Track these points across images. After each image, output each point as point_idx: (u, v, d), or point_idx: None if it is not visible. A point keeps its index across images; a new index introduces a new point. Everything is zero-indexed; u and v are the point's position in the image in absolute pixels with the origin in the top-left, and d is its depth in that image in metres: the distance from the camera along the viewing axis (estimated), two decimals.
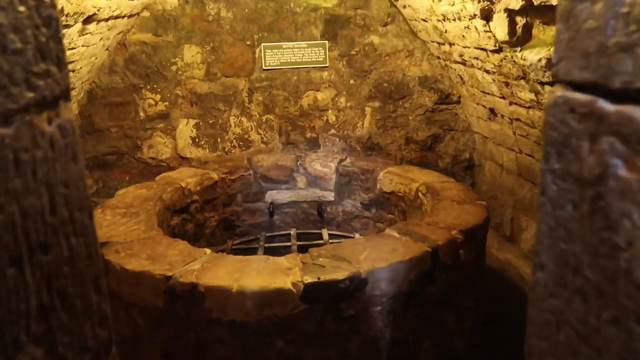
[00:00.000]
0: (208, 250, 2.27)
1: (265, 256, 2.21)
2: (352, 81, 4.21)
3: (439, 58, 4.14)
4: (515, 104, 3.18)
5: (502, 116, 3.58)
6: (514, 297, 3.26)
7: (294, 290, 1.97)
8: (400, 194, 3.19)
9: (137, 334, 2.15)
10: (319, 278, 2.00)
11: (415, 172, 3.30)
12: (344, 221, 3.54)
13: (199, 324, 2.00)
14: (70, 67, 3.14)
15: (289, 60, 4.11)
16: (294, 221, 3.61)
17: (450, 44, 3.53)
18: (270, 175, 3.58)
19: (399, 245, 2.24)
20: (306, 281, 1.98)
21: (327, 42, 4.11)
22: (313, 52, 4.10)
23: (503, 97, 3.31)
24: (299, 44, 4.09)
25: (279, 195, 3.58)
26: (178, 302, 2.00)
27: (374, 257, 2.15)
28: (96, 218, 2.69)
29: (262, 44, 4.08)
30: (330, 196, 3.56)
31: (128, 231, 2.45)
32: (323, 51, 4.11)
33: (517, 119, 3.30)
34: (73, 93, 3.67)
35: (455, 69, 3.89)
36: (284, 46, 4.09)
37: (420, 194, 3.00)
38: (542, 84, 2.60)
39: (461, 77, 3.89)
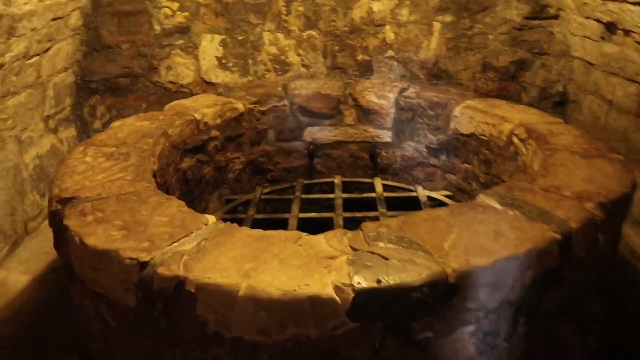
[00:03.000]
0: (212, 219, 1.47)
1: (295, 233, 1.40)
2: None
3: None
4: None
5: (628, 33, 2.51)
6: (628, 280, 2.36)
7: (337, 299, 1.16)
8: (484, 137, 2.27)
9: (108, 335, 1.43)
10: (379, 281, 1.18)
11: (504, 108, 2.35)
12: (403, 169, 2.67)
13: (188, 340, 1.25)
14: None
15: None
16: (339, 167, 2.76)
17: None
18: (310, 108, 2.70)
19: (504, 225, 1.37)
20: (358, 286, 1.16)
21: None
22: None
23: None
24: None
25: (322, 134, 2.72)
26: (156, 305, 1.24)
27: (466, 245, 1.30)
28: (71, 160, 1.90)
29: None
30: (387, 136, 2.67)
31: (107, 181, 1.68)
32: None
33: None
34: None
35: None
36: None
37: (516, 140, 2.07)
38: None
39: None
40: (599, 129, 3.06)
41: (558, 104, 3.36)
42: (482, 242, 1.30)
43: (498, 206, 1.46)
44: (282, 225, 2.24)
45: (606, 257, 1.49)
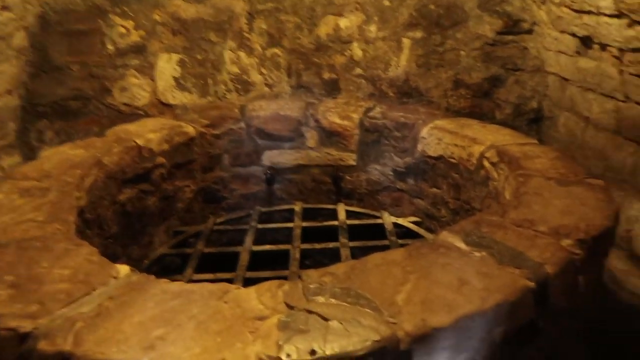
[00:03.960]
0: (124, 269, 1.21)
1: (221, 286, 1.15)
2: (386, 2, 2.98)
3: None
4: None
5: (604, 47, 2.34)
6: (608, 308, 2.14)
7: None
8: (453, 160, 2.06)
9: None
10: (313, 352, 0.94)
11: (475, 127, 2.14)
12: (369, 194, 2.44)
13: None
14: None
15: None
16: (300, 192, 2.52)
17: None
18: (268, 130, 2.47)
19: (469, 270, 1.14)
20: (287, 359, 0.92)
21: None
22: None
23: (618, 15, 2.07)
24: None
25: (281, 157, 2.49)
26: None
27: (423, 297, 1.06)
28: None
29: None
30: (351, 159, 2.45)
31: (13, 224, 1.41)
32: None
33: (638, 50, 2.07)
34: (10, 15, 2.60)
35: None
36: None
37: (486, 163, 1.86)
38: None
39: None
40: (576, 146, 2.88)
41: (533, 121, 3.18)
42: (443, 293, 1.07)
43: (463, 246, 1.23)
44: (235, 259, 2.00)
45: (588, 301, 1.26)
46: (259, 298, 1.09)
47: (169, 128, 2.24)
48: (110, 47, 2.99)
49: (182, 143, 2.25)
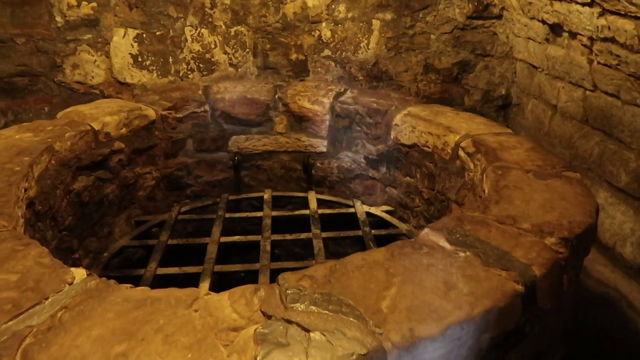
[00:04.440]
0: (80, 274, 1.09)
1: (190, 292, 1.05)
2: None
3: None
4: (616, 13, 1.92)
5: (575, 35, 2.32)
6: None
7: None
8: (427, 148, 2.00)
9: None
10: None
11: (449, 115, 2.09)
12: (340, 182, 2.36)
13: None
14: None
15: None
16: (269, 179, 2.42)
17: None
18: (235, 114, 2.33)
19: (455, 273, 1.08)
20: None
21: None
22: None
23: (590, 4, 2.04)
24: None
25: (249, 143, 2.36)
26: None
27: (409, 303, 1.00)
28: None
29: None
30: (322, 146, 2.36)
31: None
32: None
33: (608, 39, 2.05)
34: None
35: None
36: None
37: (462, 154, 1.81)
38: None
39: None
40: (542, 134, 2.89)
41: (501, 107, 3.17)
42: (429, 298, 1.01)
43: (447, 245, 1.17)
44: (202, 250, 1.89)
45: (569, 299, 1.24)
46: (232, 305, 1.00)
47: (128, 110, 2.07)
48: (59, 19, 2.75)
49: (143, 127, 2.09)
